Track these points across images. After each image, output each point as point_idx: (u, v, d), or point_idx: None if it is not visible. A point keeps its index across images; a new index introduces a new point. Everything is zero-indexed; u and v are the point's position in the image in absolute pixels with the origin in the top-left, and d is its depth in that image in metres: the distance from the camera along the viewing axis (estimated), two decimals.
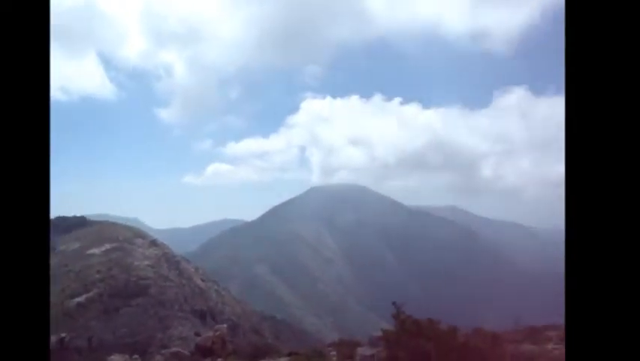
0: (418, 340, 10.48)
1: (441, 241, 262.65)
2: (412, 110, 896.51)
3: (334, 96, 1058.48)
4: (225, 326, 24.46)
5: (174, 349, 22.31)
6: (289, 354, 18.59)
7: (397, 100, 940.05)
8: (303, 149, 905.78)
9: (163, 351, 22.01)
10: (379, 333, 12.89)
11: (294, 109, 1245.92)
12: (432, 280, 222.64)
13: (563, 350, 16.17)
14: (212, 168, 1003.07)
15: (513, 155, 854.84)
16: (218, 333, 20.32)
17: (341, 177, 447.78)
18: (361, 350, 14.06)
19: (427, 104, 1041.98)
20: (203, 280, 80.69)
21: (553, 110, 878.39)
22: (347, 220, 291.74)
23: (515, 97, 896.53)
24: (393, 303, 11.91)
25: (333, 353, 17.17)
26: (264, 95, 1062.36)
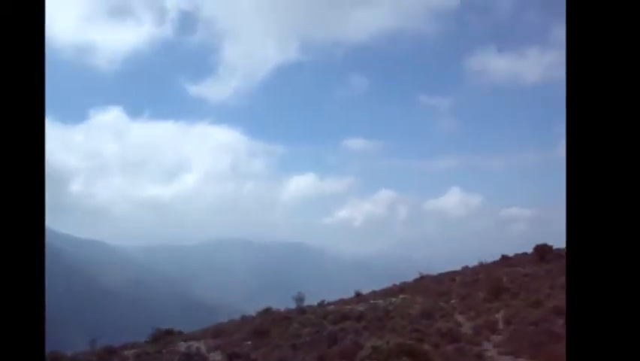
0: None
1: None
2: None
3: None
4: None
5: None
6: None
7: None
8: None
9: None
10: None
11: None
12: None
13: None
14: None
15: (104, 173, 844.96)
16: None
17: None
18: None
19: None
20: None
21: (146, 133, 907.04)
22: None
23: (111, 116, 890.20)
24: None
25: None
26: None
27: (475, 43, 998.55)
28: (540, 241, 33.07)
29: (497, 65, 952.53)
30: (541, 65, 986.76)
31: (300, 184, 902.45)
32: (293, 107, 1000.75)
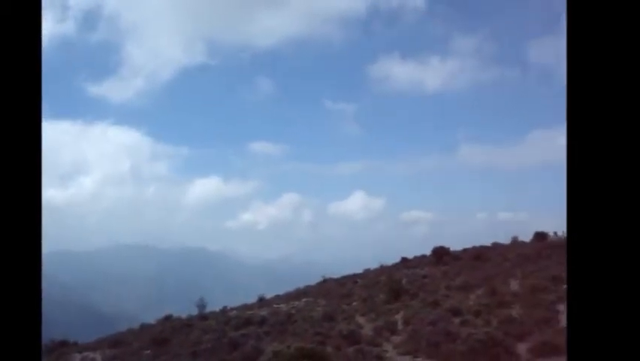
0: None
1: None
2: None
3: None
4: None
5: None
6: None
7: None
8: None
9: None
10: None
11: None
12: None
13: None
14: None
15: None
16: None
17: None
18: None
19: None
20: None
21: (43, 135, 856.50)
22: None
23: None
24: None
25: None
26: None
27: (380, 51, 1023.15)
28: (438, 243, 34.46)
29: (400, 72, 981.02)
30: (443, 73, 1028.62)
31: (204, 187, 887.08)
32: (198, 109, 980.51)
